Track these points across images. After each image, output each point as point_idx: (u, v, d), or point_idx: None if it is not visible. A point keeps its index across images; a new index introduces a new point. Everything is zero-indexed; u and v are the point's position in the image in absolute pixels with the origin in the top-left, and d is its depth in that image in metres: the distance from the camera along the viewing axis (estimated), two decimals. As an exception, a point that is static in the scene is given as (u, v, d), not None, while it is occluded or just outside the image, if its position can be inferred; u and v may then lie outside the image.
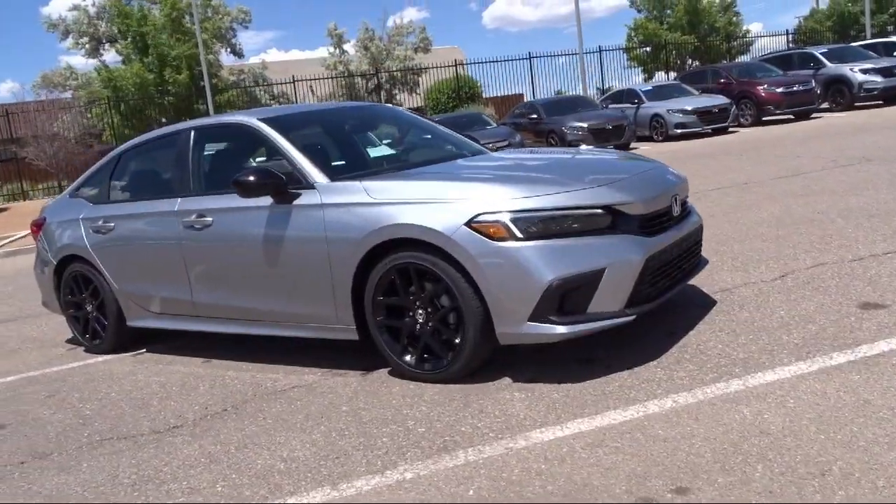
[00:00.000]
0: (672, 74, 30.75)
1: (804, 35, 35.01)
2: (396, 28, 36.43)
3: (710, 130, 18.69)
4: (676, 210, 4.08)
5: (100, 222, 5.32)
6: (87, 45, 33.71)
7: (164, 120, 26.72)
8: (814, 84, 19.92)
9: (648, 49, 31.54)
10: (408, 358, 3.92)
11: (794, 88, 19.50)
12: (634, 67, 32.05)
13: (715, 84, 21.26)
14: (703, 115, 18.60)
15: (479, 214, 3.58)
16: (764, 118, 19.78)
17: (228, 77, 29.75)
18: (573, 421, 3.17)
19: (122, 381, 4.79)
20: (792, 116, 19.61)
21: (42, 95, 29.97)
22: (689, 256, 4.23)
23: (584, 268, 3.50)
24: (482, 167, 4.53)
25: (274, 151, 4.51)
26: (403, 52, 35.43)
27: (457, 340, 3.74)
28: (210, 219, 4.58)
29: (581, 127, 17.62)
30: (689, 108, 18.69)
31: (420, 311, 3.84)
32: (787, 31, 33.60)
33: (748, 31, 32.84)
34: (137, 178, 5.55)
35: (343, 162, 4.74)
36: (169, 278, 4.91)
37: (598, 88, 29.12)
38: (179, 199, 4.81)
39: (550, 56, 29.14)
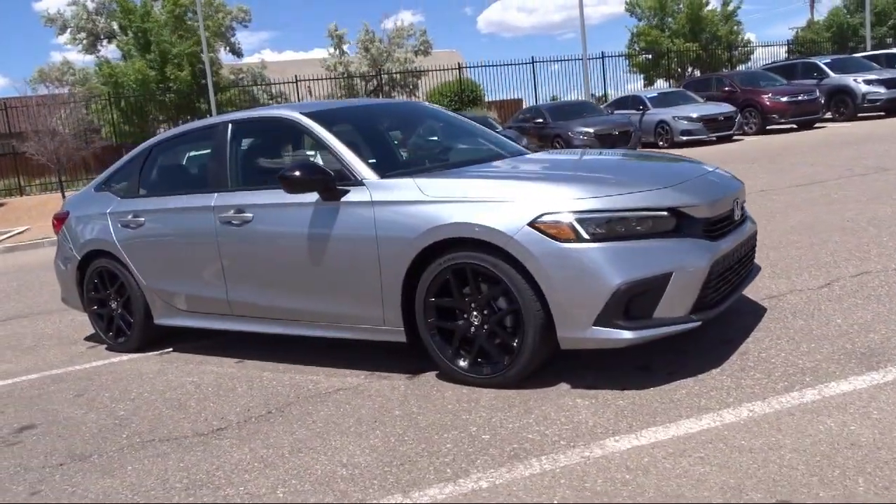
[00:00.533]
0: (671, 82, 30.78)
1: (800, 46, 35.14)
2: (397, 30, 36.36)
3: (714, 138, 18.67)
4: (738, 214, 3.98)
5: (129, 217, 5.18)
6: (84, 41, 33.51)
7: (161, 118, 26.52)
8: (818, 94, 19.95)
9: (650, 56, 31.53)
10: (461, 362, 3.80)
11: (800, 98, 19.51)
12: (635, 73, 32.07)
13: (719, 92, 21.26)
14: (709, 122, 18.59)
15: (542, 214, 3.46)
16: (768, 127, 19.77)
17: (229, 76, 29.56)
18: (647, 429, 3.05)
19: (154, 381, 4.64)
20: (795, 126, 19.62)
21: (38, 90, 29.72)
22: (746, 262, 4.13)
23: (651, 271, 3.39)
24: (538, 166, 4.41)
25: (318, 146, 4.38)
26: (404, 54, 35.34)
27: (514, 344, 3.61)
28: (249, 215, 4.45)
29: (587, 132, 17.55)
30: (695, 115, 18.66)
31: (475, 314, 3.72)
32: (787, 41, 33.73)
33: (749, 41, 32.93)
34: (170, 172, 5.40)
35: (389, 159, 4.60)
36: (203, 276, 4.77)
37: (592, 96, 29.06)
38: (216, 195, 4.67)
39: (554, 61, 29.05)
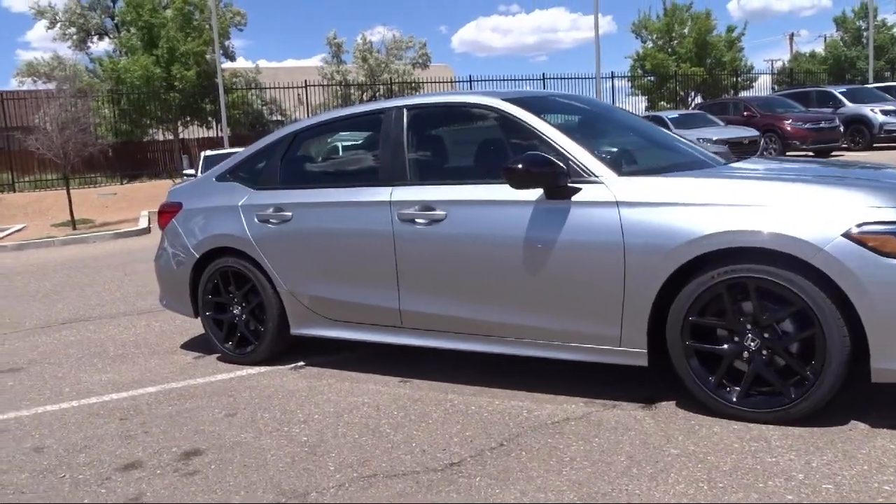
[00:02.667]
0: (674, 105, 30.69)
1: (787, 77, 35.39)
2: (395, 41, 35.86)
3: (740, 161, 18.44)
4: None
5: (269, 211, 4.55)
6: (74, 37, 32.44)
7: (163, 117, 25.62)
8: (838, 122, 19.92)
9: (653, 78, 31.44)
10: (728, 393, 3.25)
11: (822, 125, 19.50)
12: (638, 95, 31.96)
13: (738, 116, 21.12)
14: (735, 146, 18.34)
15: (864, 223, 2.94)
16: (788, 153, 19.64)
17: (231, 78, 28.79)
18: None
19: (315, 401, 4.02)
20: (812, 153, 19.52)
21: (25, 85, 28.66)
22: None
23: None
24: (792, 172, 3.88)
25: (531, 138, 3.81)
26: (402, 66, 34.82)
27: (808, 374, 3.08)
28: (441, 213, 3.87)
29: (718, 139, 17.52)
30: (720, 137, 18.42)
31: (751, 337, 3.18)
32: (790, 70, 34.01)
33: (752, 67, 33.11)
34: (321, 161, 4.79)
35: (614, 154, 4.04)
36: (368, 281, 4.17)
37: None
38: (393, 188, 4.08)
39: (565, 79, 28.76)
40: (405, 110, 4.21)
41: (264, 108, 32.10)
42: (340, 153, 4.90)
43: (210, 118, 26.80)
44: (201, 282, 4.88)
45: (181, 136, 27.39)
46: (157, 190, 21.90)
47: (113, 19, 32.14)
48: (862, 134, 20.69)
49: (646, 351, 3.42)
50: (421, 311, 4.02)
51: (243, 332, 4.76)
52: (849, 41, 35.35)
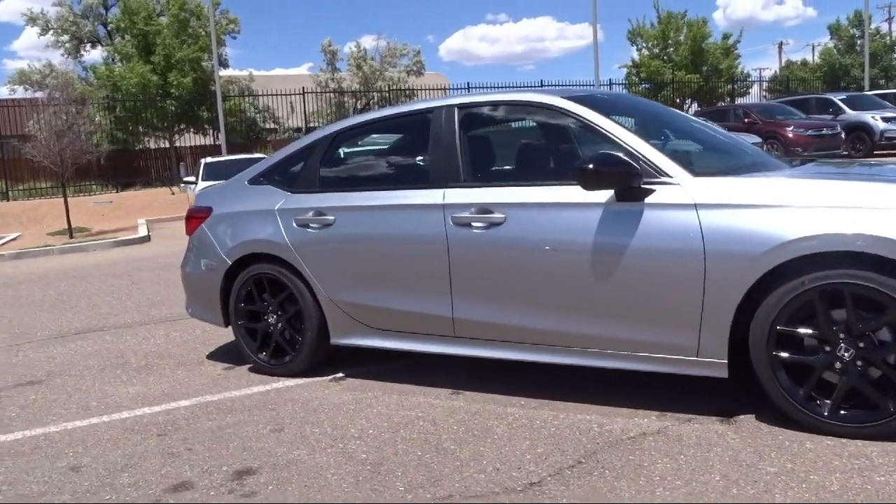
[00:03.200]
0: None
1: (779, 84, 35.50)
2: (389, 49, 35.74)
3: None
4: None
5: (308, 215, 4.34)
6: (67, 45, 32.16)
7: (159, 125, 25.34)
8: (839, 129, 19.90)
9: (649, 86, 31.41)
10: (818, 406, 3.07)
11: (824, 132, 19.47)
12: (634, 103, 31.84)
13: (738, 123, 21.03)
14: (739, 152, 18.28)
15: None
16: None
17: (227, 86, 28.55)
18: None
19: (364, 414, 3.81)
20: (813, 160, 19.46)
21: (17, 93, 28.38)
22: None
23: None
24: (867, 171, 3.71)
25: (597, 138, 3.62)
26: (397, 73, 34.68)
27: (910, 387, 2.90)
28: (500, 216, 3.67)
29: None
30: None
31: (845, 347, 3.00)
32: (787, 77, 34.07)
33: (749, 75, 33.14)
34: (365, 162, 4.58)
35: (685, 155, 3.85)
36: (419, 288, 3.97)
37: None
38: (445, 191, 3.88)
39: (564, 86, 28.64)
40: (456, 109, 4.02)
41: (258, 115, 31.88)
42: (384, 154, 4.69)
43: (206, 126, 26.52)
44: (233, 289, 4.66)
45: (174, 144, 27.11)
46: (153, 198, 21.66)
47: (106, 27, 31.88)
48: (863, 141, 20.67)
49: (726, 361, 3.23)
50: (476, 320, 3.82)
51: (279, 342, 4.54)
52: (843, 49, 35.50)
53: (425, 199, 3.92)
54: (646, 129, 4.02)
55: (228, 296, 4.71)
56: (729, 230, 3.14)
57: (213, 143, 27.63)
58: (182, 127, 26.08)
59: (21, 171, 21.88)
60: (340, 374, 4.50)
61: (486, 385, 4.04)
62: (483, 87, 29.19)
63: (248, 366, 4.80)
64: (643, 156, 3.42)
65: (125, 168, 24.98)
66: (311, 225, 4.31)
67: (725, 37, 32.54)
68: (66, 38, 31.63)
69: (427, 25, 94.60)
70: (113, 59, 26.98)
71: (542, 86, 28.72)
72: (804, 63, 39.86)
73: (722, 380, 3.33)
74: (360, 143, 4.67)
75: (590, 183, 3.34)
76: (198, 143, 27.57)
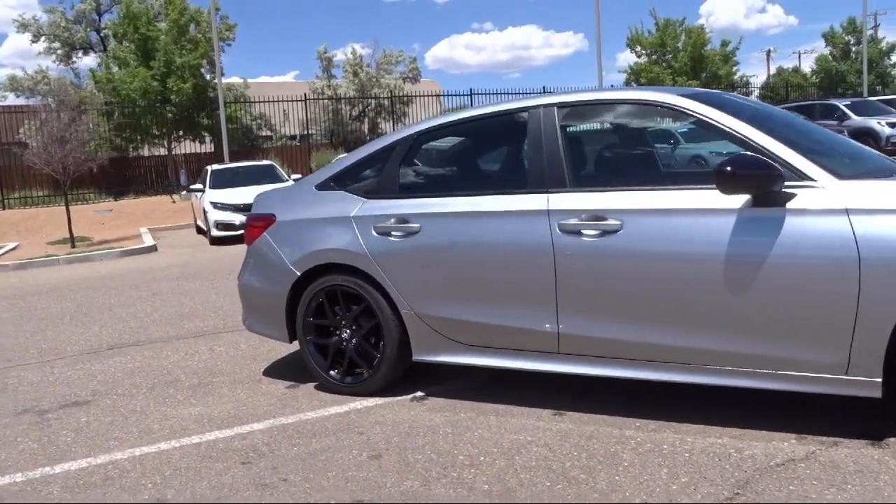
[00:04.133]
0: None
1: (771, 91, 35.52)
2: (385, 56, 35.49)
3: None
4: None
5: (390, 222, 4.04)
6: (59, 51, 31.68)
7: (158, 131, 24.93)
8: (846, 134, 19.83)
9: (648, 92, 31.26)
10: None
11: (832, 138, 19.35)
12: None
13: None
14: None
15: None
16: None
17: (225, 92, 28.17)
18: None
19: (465, 438, 3.51)
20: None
21: (8, 100, 27.91)
22: None
23: None
24: None
25: (725, 139, 3.35)
26: (393, 80, 34.41)
27: None
28: (615, 222, 3.39)
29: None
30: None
31: None
32: (786, 82, 34.15)
33: (749, 82, 33.14)
34: (450, 165, 4.29)
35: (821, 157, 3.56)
36: (519, 301, 3.68)
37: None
38: (549, 195, 3.59)
39: (567, 92, 28.43)
40: (556, 108, 3.74)
41: (253, 122, 31.52)
42: (469, 157, 4.40)
43: (205, 133, 26.12)
44: (301, 302, 4.35)
45: (172, 151, 26.70)
46: (153, 206, 21.24)
47: (99, 33, 31.44)
48: (868, 146, 20.61)
49: (880, 380, 2.96)
50: (587, 335, 3.53)
51: (353, 359, 4.23)
52: (838, 55, 35.62)
53: (526, 205, 3.64)
54: (771, 131, 3.73)
55: (295, 309, 4.39)
56: (889, 238, 2.88)
57: (208, 150, 27.23)
58: (180, 134, 25.66)
59: (15, 180, 21.41)
60: (420, 393, 4.20)
61: (588, 405, 3.76)
62: (484, 94, 28.98)
63: (314, 384, 4.49)
64: (780, 157, 3.16)
65: (120, 176, 24.52)
66: (394, 233, 4.01)
67: (724, 43, 32.56)
68: (57, 44, 31.15)
69: (412, 34, 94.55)
70: (108, 66, 26.52)
71: (544, 91, 28.54)
72: (796, 70, 39.96)
73: (847, 398, 3.07)
74: (443, 144, 4.38)
75: (727, 186, 3.07)
76: (193, 151, 27.14)
